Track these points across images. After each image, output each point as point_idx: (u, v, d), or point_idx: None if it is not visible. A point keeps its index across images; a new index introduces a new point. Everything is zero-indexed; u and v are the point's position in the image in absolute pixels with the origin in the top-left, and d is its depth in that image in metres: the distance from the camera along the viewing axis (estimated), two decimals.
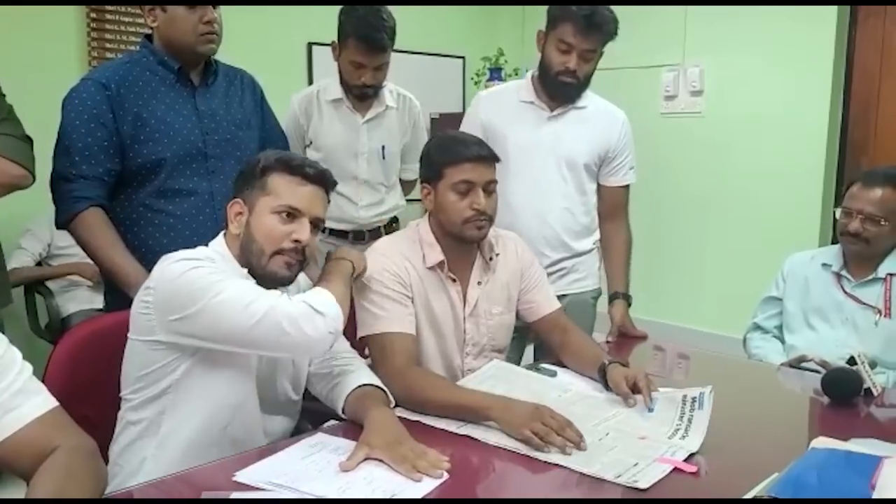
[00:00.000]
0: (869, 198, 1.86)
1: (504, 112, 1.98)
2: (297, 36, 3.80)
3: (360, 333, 1.54)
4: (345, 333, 1.38)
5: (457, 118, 2.25)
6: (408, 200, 2.54)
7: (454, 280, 1.61)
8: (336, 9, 2.20)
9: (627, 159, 2.05)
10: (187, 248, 1.34)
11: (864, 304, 1.89)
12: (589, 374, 1.56)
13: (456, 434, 1.31)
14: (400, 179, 2.49)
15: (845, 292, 1.92)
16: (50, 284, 2.95)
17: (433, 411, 1.38)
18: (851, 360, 1.56)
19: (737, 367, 1.93)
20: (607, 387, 1.48)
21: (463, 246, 1.61)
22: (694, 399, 1.36)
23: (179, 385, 1.27)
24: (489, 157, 1.57)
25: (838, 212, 1.94)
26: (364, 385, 1.37)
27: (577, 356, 1.63)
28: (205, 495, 1.07)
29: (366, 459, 1.16)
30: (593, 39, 1.87)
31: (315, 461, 1.18)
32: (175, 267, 1.25)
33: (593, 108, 2.01)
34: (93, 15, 3.19)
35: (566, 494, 1.15)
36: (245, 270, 1.33)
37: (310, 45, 3.83)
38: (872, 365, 1.58)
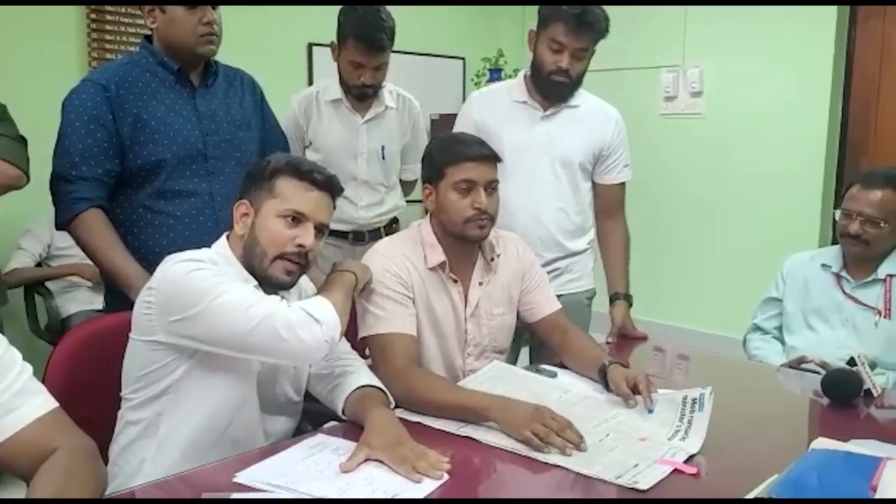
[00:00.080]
0: (868, 199, 1.86)
1: (497, 112, 1.98)
2: (298, 36, 3.80)
3: (360, 334, 1.54)
4: (345, 334, 1.38)
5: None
6: (408, 201, 2.54)
7: (455, 281, 1.61)
8: (336, 9, 2.21)
9: (622, 157, 2.05)
10: (187, 248, 1.34)
11: (864, 305, 1.89)
12: (589, 374, 1.56)
13: (456, 435, 1.31)
14: (400, 180, 2.49)
15: (845, 293, 1.93)
16: (50, 285, 2.95)
17: (433, 412, 1.38)
18: (851, 361, 1.56)
19: (737, 368, 1.93)
20: (608, 388, 1.48)
21: (464, 246, 1.61)
22: (694, 400, 1.36)
23: (179, 386, 1.27)
24: (490, 157, 1.57)
25: (838, 213, 1.94)
26: (364, 386, 1.37)
27: (577, 357, 1.63)
28: (205, 496, 1.07)
29: (366, 460, 1.16)
30: (585, 38, 1.87)
31: (315, 462, 1.18)
32: (177, 268, 1.25)
33: (586, 107, 2.00)
34: (93, 16, 3.18)
35: (566, 495, 1.15)
36: (247, 273, 1.33)
37: (310, 45, 3.83)
38: (872, 366, 1.58)
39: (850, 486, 1.02)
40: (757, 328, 2.09)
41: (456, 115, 2.13)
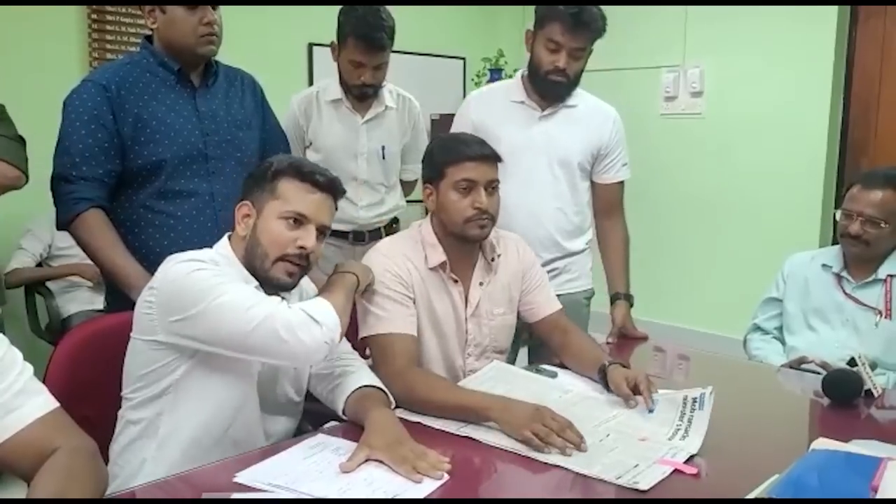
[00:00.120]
0: (869, 200, 1.86)
1: (495, 113, 1.98)
2: (298, 36, 3.80)
3: (361, 334, 1.54)
4: (346, 334, 1.38)
5: None
6: (408, 201, 2.54)
7: (456, 281, 1.61)
8: (336, 9, 2.21)
9: (620, 156, 2.04)
10: (188, 249, 1.34)
11: (865, 305, 1.89)
12: (589, 375, 1.56)
13: (456, 435, 1.31)
14: (400, 180, 2.50)
15: (846, 293, 1.93)
16: (50, 285, 2.95)
17: (433, 412, 1.38)
18: (852, 362, 1.56)
19: (737, 369, 1.93)
20: (608, 388, 1.48)
21: (465, 246, 1.61)
22: (695, 400, 1.36)
23: (179, 385, 1.28)
24: (491, 157, 1.57)
25: (838, 213, 1.94)
26: (364, 386, 1.37)
27: (577, 357, 1.63)
28: (205, 496, 1.07)
29: (366, 460, 1.16)
30: (582, 38, 1.86)
31: (316, 462, 1.18)
32: (179, 268, 1.26)
33: (584, 107, 2.00)
34: (94, 16, 3.19)
35: (566, 495, 1.16)
36: (248, 273, 1.33)
37: (310, 45, 3.83)
38: (873, 366, 1.58)
39: (851, 487, 1.02)
40: (757, 328, 2.09)
41: (456, 115, 2.13)
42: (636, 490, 1.11)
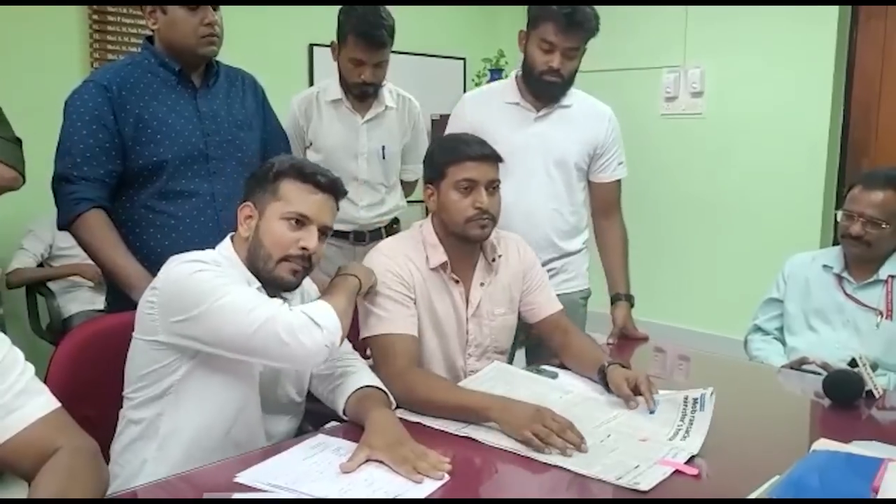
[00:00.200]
0: (870, 200, 1.86)
1: (490, 114, 1.96)
2: (299, 37, 3.80)
3: (362, 334, 1.55)
4: (347, 334, 1.38)
5: None
6: (408, 202, 2.55)
7: (457, 281, 1.62)
8: (337, 10, 2.21)
9: (616, 154, 2.04)
10: (189, 249, 1.34)
11: (866, 306, 1.89)
12: (589, 375, 1.56)
13: (457, 435, 1.31)
14: (400, 180, 2.50)
15: (846, 294, 1.92)
16: (51, 285, 2.95)
17: (434, 412, 1.38)
18: (853, 362, 1.56)
19: (738, 369, 1.93)
20: (608, 388, 1.48)
21: (466, 247, 1.61)
22: (696, 400, 1.36)
23: (181, 386, 1.28)
24: (492, 157, 1.57)
25: (839, 214, 1.94)
26: (365, 386, 1.37)
27: (577, 358, 1.63)
28: (206, 496, 1.07)
29: (367, 461, 1.16)
30: (576, 37, 1.86)
31: (316, 462, 1.18)
32: (181, 269, 1.26)
33: (579, 106, 2.00)
34: (95, 17, 3.19)
35: (567, 496, 1.15)
36: (251, 274, 1.33)
37: (311, 46, 3.84)
38: (874, 367, 1.58)
39: (852, 488, 1.02)
40: (758, 329, 2.09)
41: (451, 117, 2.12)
42: (637, 491, 1.11)
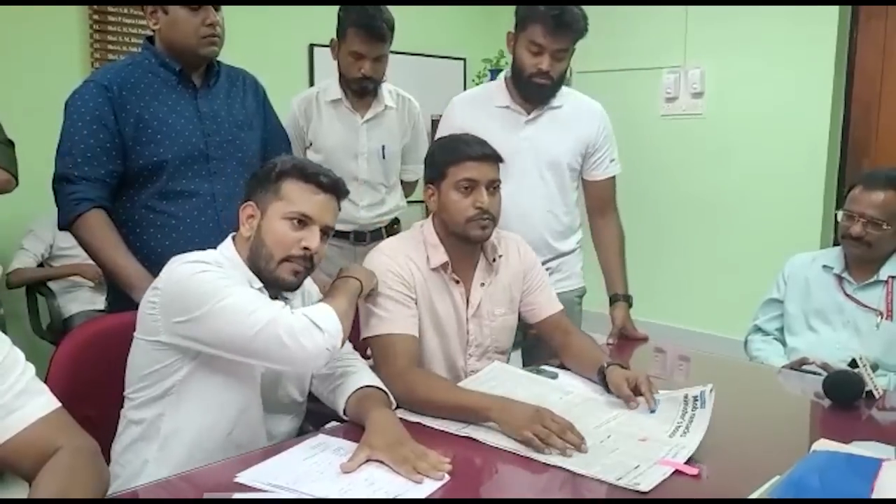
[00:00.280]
0: (871, 201, 1.86)
1: (480, 119, 1.94)
2: (299, 37, 3.81)
3: (362, 334, 1.55)
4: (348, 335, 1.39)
5: None
6: (408, 202, 2.55)
7: (458, 281, 1.62)
8: (337, 10, 2.22)
9: (609, 151, 2.03)
10: (189, 249, 1.34)
11: (866, 306, 1.89)
12: (589, 376, 1.56)
13: (457, 435, 1.31)
14: (400, 181, 2.50)
15: (846, 294, 1.92)
16: (52, 285, 2.95)
17: (434, 412, 1.38)
18: (853, 363, 1.56)
19: (738, 370, 1.93)
20: (607, 389, 1.48)
21: (466, 247, 1.61)
22: (696, 398, 1.36)
23: (182, 387, 1.28)
24: (492, 157, 1.57)
25: (840, 214, 1.94)
26: (365, 386, 1.37)
27: (577, 358, 1.63)
28: (206, 496, 1.07)
29: (367, 461, 1.16)
30: (564, 39, 1.84)
31: (316, 462, 1.18)
32: (183, 269, 1.26)
33: (569, 107, 1.99)
34: (95, 17, 3.19)
35: (567, 496, 1.15)
36: (252, 274, 1.33)
37: (311, 46, 3.84)
38: (874, 367, 1.58)
39: (852, 488, 1.02)
40: (758, 329, 2.09)
41: (441, 120, 2.11)
42: (637, 491, 1.11)
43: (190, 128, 1.76)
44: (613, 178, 2.07)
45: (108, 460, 1.18)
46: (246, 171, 1.74)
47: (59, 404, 1.04)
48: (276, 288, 1.34)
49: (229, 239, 1.39)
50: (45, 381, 1.07)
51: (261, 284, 1.33)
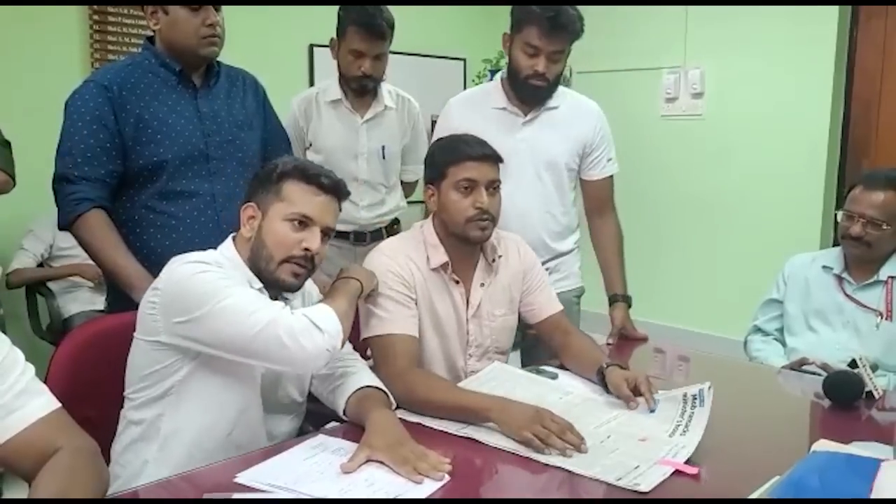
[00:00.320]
0: (871, 201, 1.86)
1: (478, 121, 1.92)
2: (299, 37, 3.81)
3: (362, 335, 1.55)
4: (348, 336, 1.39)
5: None
6: (408, 202, 2.55)
7: (458, 282, 1.62)
8: (337, 10, 2.22)
9: (606, 151, 2.03)
10: (189, 249, 1.34)
11: (866, 306, 1.89)
12: (589, 376, 1.56)
13: (457, 436, 1.31)
14: (400, 181, 2.50)
15: (846, 295, 1.92)
16: (51, 285, 2.96)
17: (433, 412, 1.38)
18: (853, 363, 1.56)
19: (737, 370, 1.93)
20: (607, 389, 1.48)
21: (466, 247, 1.61)
22: (694, 396, 1.37)
23: (182, 387, 1.28)
24: (492, 157, 1.57)
25: (840, 214, 1.94)
26: (365, 387, 1.37)
27: (577, 359, 1.63)
28: (206, 497, 1.07)
29: (367, 461, 1.16)
30: (560, 40, 1.84)
31: (316, 463, 1.18)
32: (183, 269, 1.26)
33: (565, 107, 1.98)
34: (95, 17, 3.19)
35: (567, 497, 1.15)
36: (253, 275, 1.33)
37: (311, 46, 3.84)
38: (874, 368, 1.58)
39: (852, 489, 1.02)
40: (758, 330, 2.09)
41: (437, 121, 2.10)
42: (637, 492, 1.11)
43: (190, 128, 1.76)
44: (611, 177, 2.07)
45: (107, 461, 1.18)
46: (246, 172, 1.74)
47: (59, 404, 1.04)
48: (277, 288, 1.35)
49: (230, 239, 1.39)
50: (45, 382, 1.07)
51: (261, 285, 1.33)
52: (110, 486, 1.09)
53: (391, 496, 1.08)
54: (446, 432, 1.33)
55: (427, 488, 1.11)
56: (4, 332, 1.04)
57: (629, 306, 2.04)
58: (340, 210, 1.40)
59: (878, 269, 1.90)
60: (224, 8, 1.80)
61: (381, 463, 1.16)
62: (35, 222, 2.94)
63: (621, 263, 2.07)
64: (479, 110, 1.97)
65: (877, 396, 1.53)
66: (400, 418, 1.31)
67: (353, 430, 1.29)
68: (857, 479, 1.04)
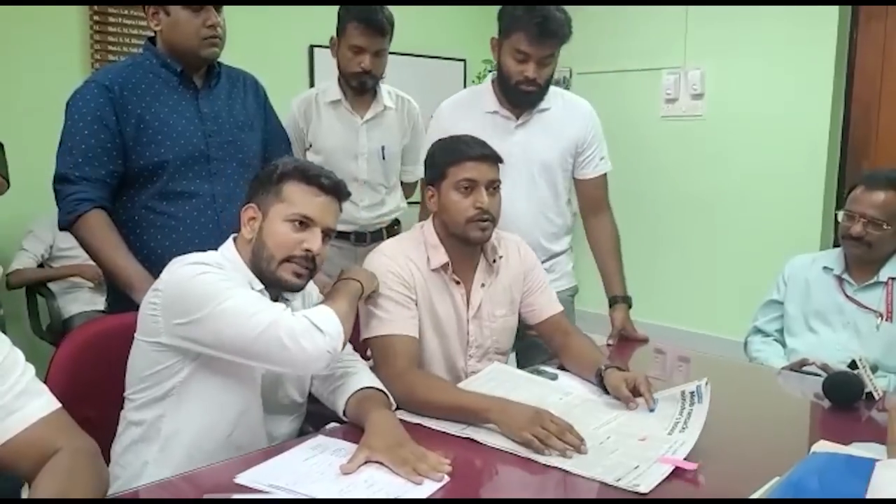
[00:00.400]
0: (871, 201, 1.86)
1: (470, 124, 1.88)
2: (299, 38, 3.81)
3: (362, 335, 1.55)
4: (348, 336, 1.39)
5: None
6: (409, 203, 2.55)
7: (458, 282, 1.62)
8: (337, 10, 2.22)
9: (598, 149, 2.02)
10: (189, 250, 1.34)
11: (866, 307, 1.89)
12: (588, 377, 1.56)
13: (457, 437, 1.31)
14: (400, 182, 2.50)
15: (847, 296, 1.93)
16: (52, 286, 2.96)
17: (433, 413, 1.38)
18: (853, 364, 1.56)
19: (737, 371, 1.93)
20: (606, 391, 1.48)
21: (467, 248, 1.61)
22: (692, 393, 1.37)
23: (183, 388, 1.28)
24: (492, 157, 1.57)
25: (840, 214, 1.94)
26: (365, 388, 1.37)
27: (577, 359, 1.63)
28: (206, 497, 1.07)
29: (367, 462, 1.16)
30: (549, 45, 1.83)
31: (316, 463, 1.18)
32: (184, 271, 1.26)
33: (557, 108, 1.98)
34: (96, 17, 3.19)
35: (567, 497, 1.15)
36: (253, 276, 1.33)
37: (311, 47, 3.84)
38: (874, 369, 1.58)
39: (851, 489, 1.02)
40: (758, 331, 2.09)
41: (430, 125, 2.10)
42: (636, 493, 1.11)
43: (191, 128, 1.76)
44: (605, 175, 2.06)
45: (107, 461, 1.18)
46: (246, 172, 1.74)
47: (59, 405, 1.04)
48: (279, 289, 1.34)
49: (230, 240, 1.39)
50: (45, 382, 1.07)
51: (262, 286, 1.33)
52: (110, 486, 1.09)
53: (391, 497, 1.08)
54: (446, 433, 1.33)
55: (427, 489, 1.11)
56: (5, 333, 1.04)
57: (629, 307, 2.04)
58: (341, 211, 1.40)
59: (879, 270, 1.90)
60: (224, 8, 1.80)
61: (381, 464, 1.16)
62: (35, 223, 2.94)
63: (619, 264, 2.06)
64: (471, 114, 1.96)
65: (877, 397, 1.53)
66: (400, 419, 1.31)
67: (353, 430, 1.29)
68: (857, 480, 1.04)
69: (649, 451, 1.23)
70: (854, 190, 1.93)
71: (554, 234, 2.02)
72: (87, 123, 1.69)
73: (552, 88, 1.98)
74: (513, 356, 2.00)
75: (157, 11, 1.75)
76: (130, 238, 1.72)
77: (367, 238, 2.36)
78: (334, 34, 2.24)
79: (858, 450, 1.20)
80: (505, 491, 1.21)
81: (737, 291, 3.69)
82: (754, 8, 3.67)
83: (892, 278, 1.89)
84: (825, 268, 1.98)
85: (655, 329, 2.20)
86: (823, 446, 1.21)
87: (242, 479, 1.12)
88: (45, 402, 1.02)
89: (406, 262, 1.57)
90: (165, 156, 1.73)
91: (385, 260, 1.56)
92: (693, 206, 4.04)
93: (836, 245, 2.05)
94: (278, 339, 1.21)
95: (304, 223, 1.32)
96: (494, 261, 1.66)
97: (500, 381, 1.55)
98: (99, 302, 2.80)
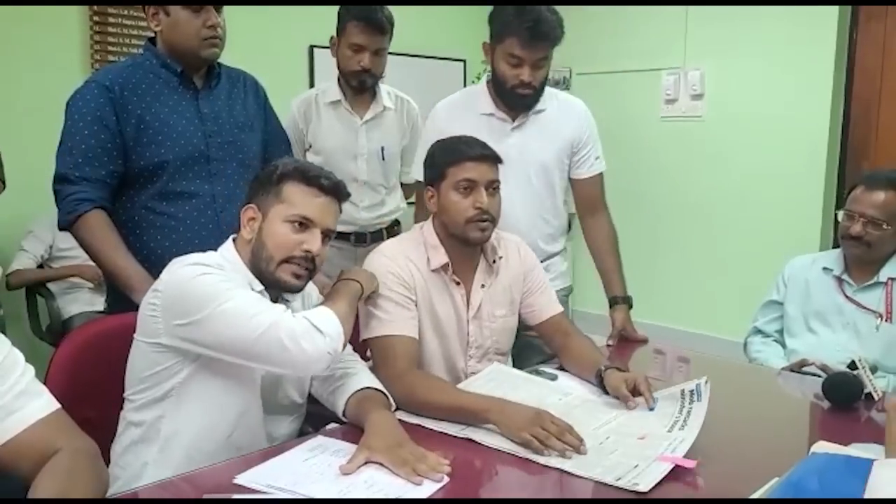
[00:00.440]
0: (871, 201, 1.86)
1: (466, 127, 1.85)
2: (299, 38, 3.81)
3: (362, 335, 1.55)
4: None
5: None
6: (408, 203, 2.55)
7: (458, 283, 1.62)
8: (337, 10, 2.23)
9: (593, 149, 2.02)
10: (189, 250, 1.34)
11: (866, 308, 1.89)
12: (588, 377, 1.56)
13: (456, 437, 1.32)
14: (400, 182, 2.50)
15: (846, 296, 1.93)
16: (51, 286, 2.96)
17: (433, 414, 1.38)
18: (852, 365, 1.56)
19: (737, 371, 1.93)
20: (605, 391, 1.48)
21: (466, 248, 1.61)
22: (692, 392, 1.37)
23: (182, 389, 1.28)
24: (491, 157, 1.57)
25: (840, 214, 1.94)
26: (365, 388, 1.37)
27: (576, 360, 1.63)
28: (206, 497, 1.07)
29: (366, 463, 1.16)
30: (542, 49, 1.82)
31: (316, 464, 1.18)
32: (184, 271, 1.26)
33: (552, 109, 1.97)
34: (96, 17, 3.19)
35: (566, 497, 1.15)
36: (253, 277, 1.33)
37: (311, 47, 3.84)
38: (873, 369, 1.58)
39: (851, 490, 1.02)
40: (758, 331, 2.09)
41: (425, 127, 2.09)
42: (636, 492, 1.11)
43: (191, 129, 1.76)
44: (600, 175, 2.05)
45: (107, 462, 1.18)
46: (246, 173, 1.74)
47: (59, 406, 1.04)
48: (278, 289, 1.34)
49: (230, 241, 1.39)
50: (45, 383, 1.07)
51: (262, 287, 1.33)
52: (110, 487, 1.09)
53: (390, 497, 1.08)
54: (446, 433, 1.33)
55: (426, 489, 1.11)
56: (4, 333, 1.04)
57: (630, 307, 2.04)
58: (341, 211, 1.40)
59: (878, 271, 1.90)
60: (224, 8, 1.80)
61: (381, 464, 1.16)
62: (35, 223, 2.94)
63: (618, 264, 2.06)
64: (467, 116, 1.95)
65: (876, 398, 1.53)
66: (399, 419, 1.32)
67: (353, 431, 1.29)
68: (857, 481, 1.04)
69: (648, 450, 1.23)
70: (854, 190, 1.93)
71: (551, 235, 2.02)
72: (88, 123, 1.69)
73: (548, 90, 1.98)
74: (508, 360, 2.00)
75: (157, 12, 1.75)
76: (130, 238, 1.72)
77: (367, 239, 2.36)
78: (334, 34, 2.24)
79: (858, 450, 1.20)
80: (504, 491, 1.21)
81: (736, 292, 3.69)
82: (754, 8, 3.67)
83: (892, 279, 1.89)
84: (825, 268, 1.98)
85: (655, 329, 2.20)
86: (823, 447, 1.21)
87: (242, 479, 1.12)
88: (44, 403, 1.02)
89: (406, 262, 1.57)
90: (165, 156, 1.73)
91: (385, 260, 1.56)
92: (693, 206, 4.04)
93: (836, 245, 2.05)
94: (279, 341, 1.21)
95: (303, 224, 1.32)
96: (494, 261, 1.66)
97: (500, 381, 1.55)
98: (99, 302, 2.80)
